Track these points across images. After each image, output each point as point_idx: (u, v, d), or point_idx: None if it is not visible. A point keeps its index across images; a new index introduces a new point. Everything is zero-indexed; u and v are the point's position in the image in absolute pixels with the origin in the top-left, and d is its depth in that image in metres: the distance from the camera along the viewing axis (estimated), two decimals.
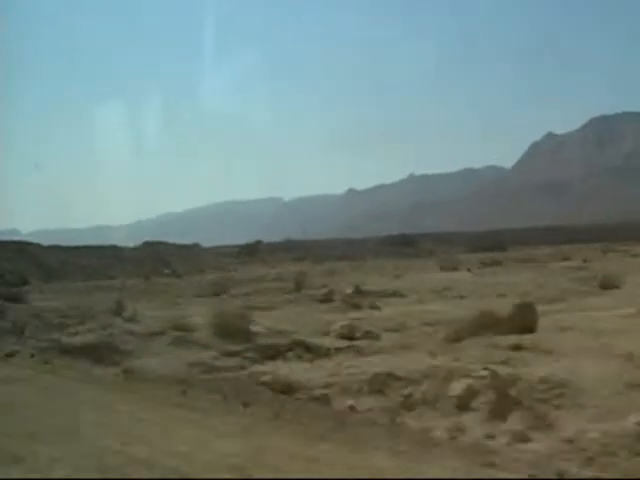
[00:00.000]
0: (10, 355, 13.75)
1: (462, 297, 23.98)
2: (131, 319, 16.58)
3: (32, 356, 13.63)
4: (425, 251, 76.62)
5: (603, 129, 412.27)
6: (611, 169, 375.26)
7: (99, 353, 13.32)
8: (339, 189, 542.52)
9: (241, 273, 47.14)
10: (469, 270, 38.70)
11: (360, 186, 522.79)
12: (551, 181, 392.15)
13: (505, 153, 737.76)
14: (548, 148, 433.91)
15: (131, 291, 30.03)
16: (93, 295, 28.24)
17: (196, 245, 74.99)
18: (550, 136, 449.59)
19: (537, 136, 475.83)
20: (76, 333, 15.33)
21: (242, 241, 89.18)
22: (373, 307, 21.08)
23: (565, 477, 5.75)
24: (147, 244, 63.31)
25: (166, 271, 50.42)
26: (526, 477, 5.75)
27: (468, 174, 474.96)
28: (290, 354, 13.42)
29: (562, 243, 77.95)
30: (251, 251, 74.90)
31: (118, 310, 18.19)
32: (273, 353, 13.34)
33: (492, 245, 78.22)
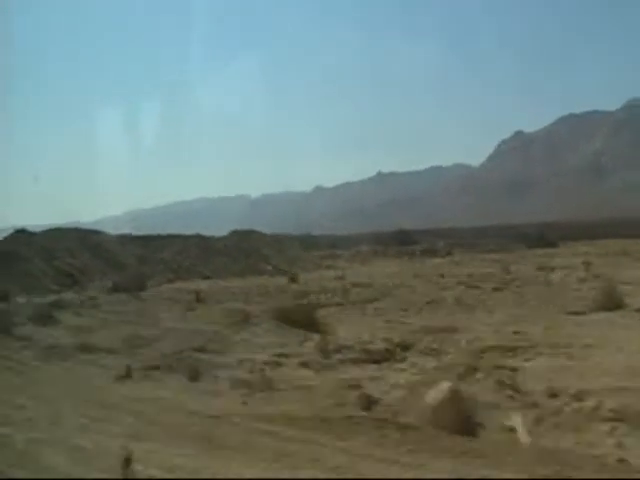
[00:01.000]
0: None
1: None
2: None
3: None
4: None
5: (572, 128, 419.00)
6: (580, 168, 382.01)
7: None
8: (306, 187, 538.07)
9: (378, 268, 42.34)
10: None
11: (328, 184, 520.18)
12: (519, 179, 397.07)
13: (473, 151, 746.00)
14: (516, 146, 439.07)
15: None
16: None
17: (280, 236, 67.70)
18: (519, 134, 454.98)
19: (506, 134, 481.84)
20: None
21: None
22: None
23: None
24: (235, 233, 56.57)
25: (268, 267, 45.19)
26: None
27: (436, 172, 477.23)
28: None
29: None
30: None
31: None
32: None
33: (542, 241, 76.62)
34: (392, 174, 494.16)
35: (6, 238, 43.53)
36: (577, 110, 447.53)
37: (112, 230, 64.33)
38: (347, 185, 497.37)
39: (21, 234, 44.31)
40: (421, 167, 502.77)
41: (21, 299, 34.09)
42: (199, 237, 52.14)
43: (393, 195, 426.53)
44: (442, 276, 31.89)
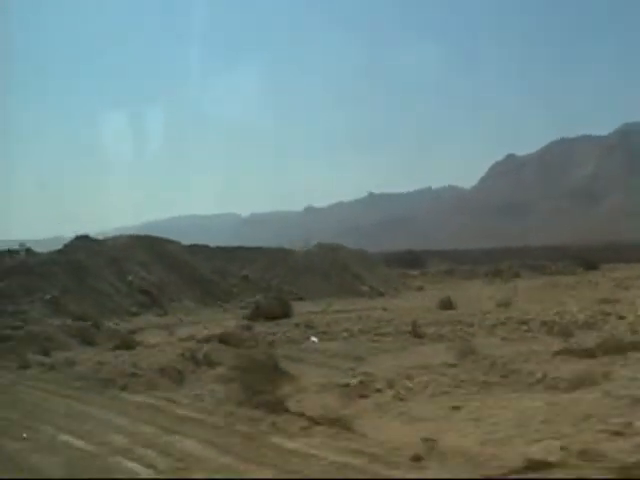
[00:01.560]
0: None
1: None
2: None
3: None
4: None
5: (564, 152, 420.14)
6: (573, 192, 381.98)
7: None
8: (296, 207, 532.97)
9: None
10: None
11: (318, 204, 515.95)
12: (512, 202, 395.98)
13: (464, 174, 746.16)
14: (509, 169, 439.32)
15: None
16: None
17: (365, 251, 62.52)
18: (511, 157, 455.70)
19: (497, 157, 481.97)
20: None
21: None
22: None
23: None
24: (322, 247, 50.86)
25: (364, 287, 39.96)
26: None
27: (427, 193, 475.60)
28: None
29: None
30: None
31: None
32: None
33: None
34: (383, 195, 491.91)
35: (67, 246, 37.97)
36: (569, 134, 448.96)
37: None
38: (339, 205, 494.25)
39: (83, 242, 38.73)
40: (412, 188, 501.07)
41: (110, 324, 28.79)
42: (283, 251, 46.67)
43: (385, 215, 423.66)
44: None
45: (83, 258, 34.95)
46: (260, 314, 25.29)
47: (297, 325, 22.68)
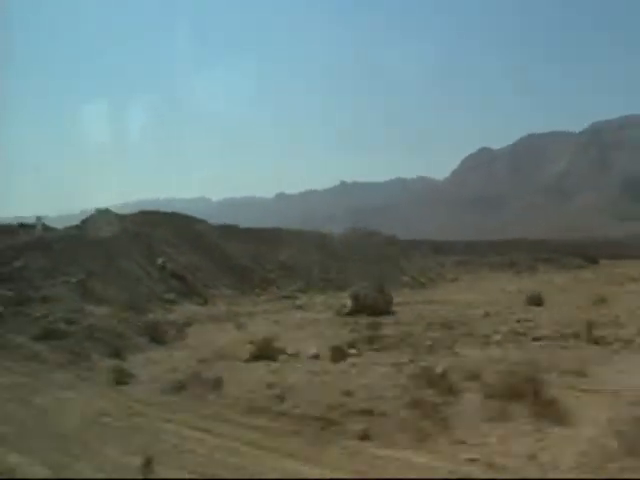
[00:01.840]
0: None
1: None
2: None
3: None
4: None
5: (536, 147, 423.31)
6: (545, 187, 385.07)
7: None
8: (267, 193, 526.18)
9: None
10: None
11: (289, 191, 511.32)
12: (484, 195, 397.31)
13: (436, 165, 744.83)
14: (481, 162, 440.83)
15: None
16: None
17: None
18: (484, 150, 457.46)
19: (470, 150, 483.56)
20: None
21: None
22: None
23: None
24: (356, 231, 46.51)
25: (404, 278, 36.06)
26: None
27: (399, 184, 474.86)
28: None
29: None
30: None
31: None
32: None
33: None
34: (355, 184, 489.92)
35: (86, 221, 33.20)
36: (542, 130, 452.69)
37: None
38: (310, 193, 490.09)
39: (104, 215, 33.98)
40: (383, 178, 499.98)
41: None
42: (317, 234, 42.47)
43: (357, 204, 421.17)
44: None
45: (106, 235, 30.30)
46: (359, 309, 21.02)
47: (429, 325, 18.21)
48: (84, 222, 32.76)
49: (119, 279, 27.77)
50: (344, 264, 35.91)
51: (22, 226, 31.91)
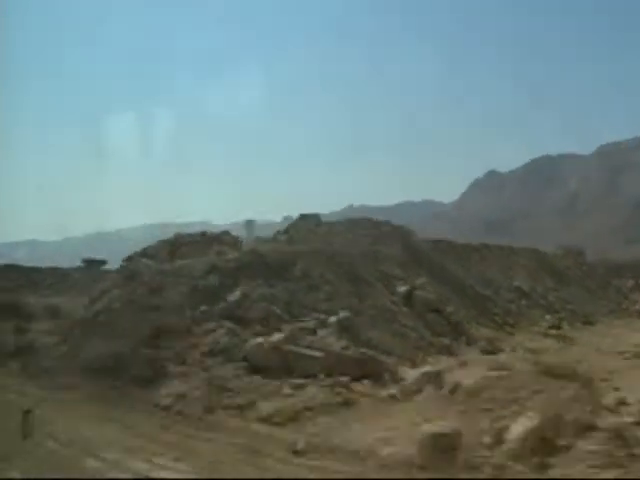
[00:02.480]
0: None
1: None
2: None
3: None
4: None
5: (545, 170, 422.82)
6: (554, 210, 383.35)
7: None
8: (276, 217, 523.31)
9: None
10: None
11: (297, 214, 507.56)
12: (494, 218, 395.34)
13: (444, 189, 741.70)
14: (490, 185, 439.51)
15: None
16: None
17: None
18: (492, 174, 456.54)
19: (478, 173, 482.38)
20: None
21: None
22: None
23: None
24: (561, 248, 42.33)
25: (637, 307, 32.56)
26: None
27: (407, 207, 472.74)
28: None
29: None
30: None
31: None
32: None
33: None
34: (363, 207, 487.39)
35: (294, 227, 29.65)
36: (550, 152, 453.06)
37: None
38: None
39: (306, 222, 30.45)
40: (391, 202, 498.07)
41: None
42: (533, 251, 38.88)
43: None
44: None
45: (342, 249, 26.86)
46: None
47: None
48: (287, 231, 29.11)
49: (376, 315, 23.63)
50: (570, 289, 32.92)
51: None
